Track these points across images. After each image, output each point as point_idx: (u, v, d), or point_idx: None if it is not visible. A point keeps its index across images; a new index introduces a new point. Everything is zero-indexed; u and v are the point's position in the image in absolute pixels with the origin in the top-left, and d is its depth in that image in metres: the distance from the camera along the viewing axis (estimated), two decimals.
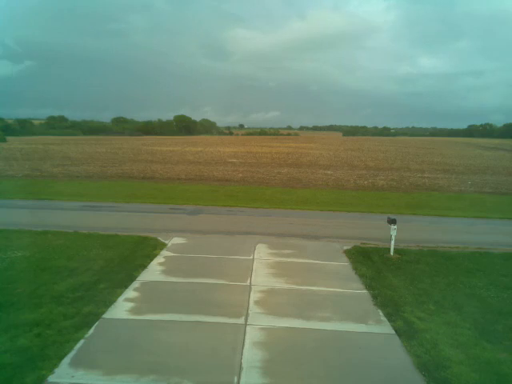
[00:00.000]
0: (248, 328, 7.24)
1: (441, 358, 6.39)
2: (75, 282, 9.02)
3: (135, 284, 9.17)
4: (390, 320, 7.70)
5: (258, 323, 7.45)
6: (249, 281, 9.56)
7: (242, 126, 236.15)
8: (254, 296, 8.67)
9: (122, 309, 7.89)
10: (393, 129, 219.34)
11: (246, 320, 7.55)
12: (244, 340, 6.81)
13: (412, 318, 7.74)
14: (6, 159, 41.42)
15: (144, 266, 10.30)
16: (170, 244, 12.52)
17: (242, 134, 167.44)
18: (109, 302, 8.07)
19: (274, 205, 19.87)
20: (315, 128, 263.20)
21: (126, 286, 8.95)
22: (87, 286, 8.87)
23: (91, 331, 6.98)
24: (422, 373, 6.04)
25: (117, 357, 6.26)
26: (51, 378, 5.68)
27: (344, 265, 11.03)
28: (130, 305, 8.06)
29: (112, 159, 43.46)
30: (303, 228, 15.47)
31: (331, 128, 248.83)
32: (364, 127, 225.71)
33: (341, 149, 73.06)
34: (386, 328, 7.43)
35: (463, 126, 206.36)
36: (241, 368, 6.01)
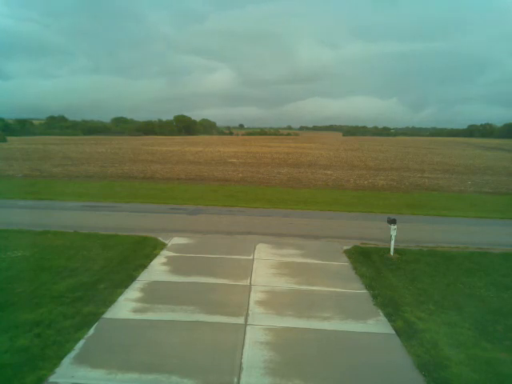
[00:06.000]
0: (248, 328, 7.25)
1: (441, 358, 6.40)
2: (75, 282, 9.03)
3: (135, 284, 9.18)
4: (389, 320, 7.71)
5: (258, 323, 7.46)
6: (249, 280, 9.56)
7: (241, 126, 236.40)
8: (254, 296, 8.68)
9: (122, 309, 7.90)
10: (393, 129, 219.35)
11: (246, 320, 7.56)
12: (244, 340, 6.82)
13: (412, 318, 7.74)
14: (6, 159, 41.42)
15: (144, 266, 10.31)
16: (170, 244, 12.53)
17: (242, 134, 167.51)
18: (109, 302, 8.08)
19: (274, 205, 19.87)
20: (315, 128, 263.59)
21: (126, 286, 8.96)
22: (87, 285, 8.88)
23: (91, 331, 6.99)
24: (422, 373, 6.05)
25: (117, 356, 6.27)
26: (52, 378, 5.69)
27: (344, 265, 11.04)
28: (130, 304, 8.07)
29: (112, 159, 43.48)
30: (303, 228, 15.48)
31: (331, 128, 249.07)
32: (364, 127, 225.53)
33: (341, 149, 73.12)
34: (385, 328, 7.44)
35: (463, 126, 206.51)
36: (241, 368, 6.02)
